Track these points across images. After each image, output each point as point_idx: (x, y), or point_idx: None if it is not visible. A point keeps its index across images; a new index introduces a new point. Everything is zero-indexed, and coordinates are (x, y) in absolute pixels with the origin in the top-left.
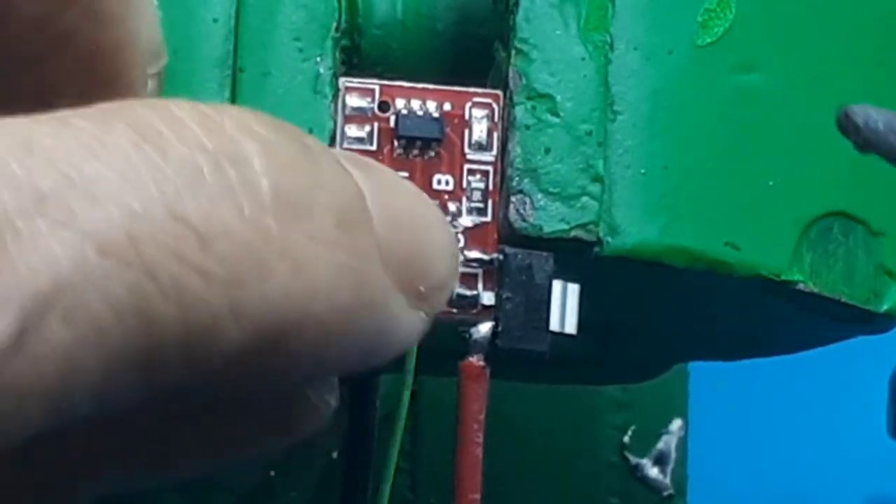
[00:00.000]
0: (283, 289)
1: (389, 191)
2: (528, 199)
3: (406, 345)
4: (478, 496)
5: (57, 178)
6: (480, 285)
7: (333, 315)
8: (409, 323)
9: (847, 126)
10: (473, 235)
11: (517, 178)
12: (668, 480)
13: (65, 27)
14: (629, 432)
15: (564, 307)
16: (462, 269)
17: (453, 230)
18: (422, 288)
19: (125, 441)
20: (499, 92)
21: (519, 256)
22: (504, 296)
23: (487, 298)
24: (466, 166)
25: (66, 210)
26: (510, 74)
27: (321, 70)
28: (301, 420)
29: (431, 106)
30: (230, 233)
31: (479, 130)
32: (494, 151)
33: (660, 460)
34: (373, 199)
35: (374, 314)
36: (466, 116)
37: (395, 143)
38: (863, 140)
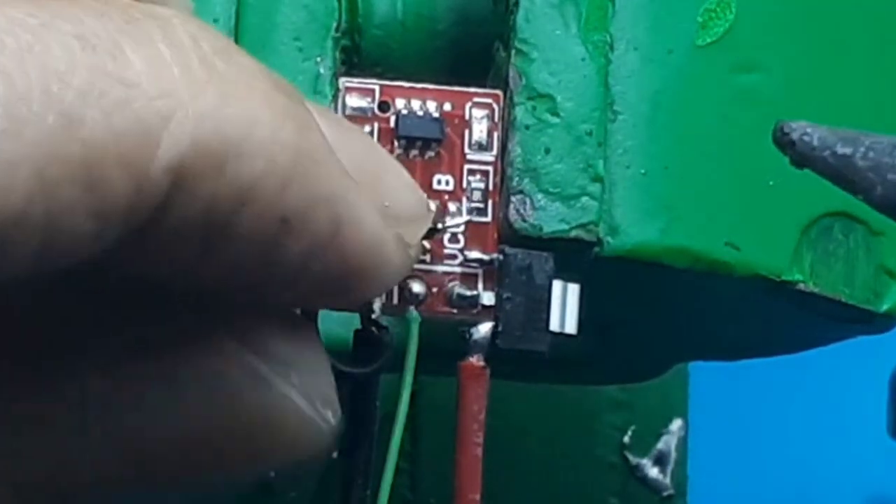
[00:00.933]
0: (214, 106)
1: (341, 123)
2: (528, 199)
3: (387, 265)
4: (478, 496)
5: None
6: (480, 285)
7: (278, 150)
8: (383, 234)
9: (782, 142)
10: (473, 235)
11: (517, 178)
12: (668, 480)
13: None
14: (629, 432)
15: (564, 307)
16: (462, 269)
17: (456, 227)
18: (387, 203)
19: (119, 448)
20: (499, 92)
21: (519, 256)
22: (504, 296)
23: (487, 298)
24: (466, 166)
25: None
26: (510, 74)
27: (321, 70)
28: (299, 435)
29: (431, 106)
30: (145, 52)
31: (479, 130)
32: (494, 151)
33: (660, 460)
34: (327, 129)
35: (328, 174)
36: (466, 116)
37: (396, 143)
38: (798, 156)
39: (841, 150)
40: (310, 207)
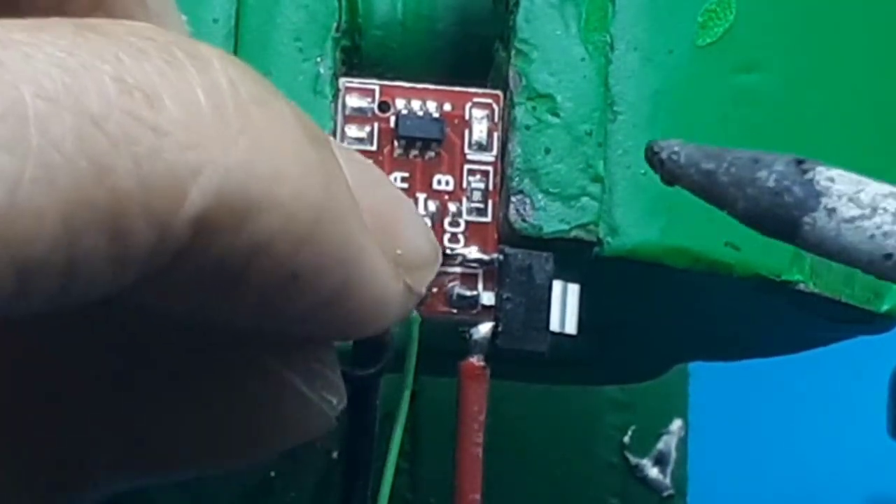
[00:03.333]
0: (243, 160)
1: (363, 166)
2: (528, 200)
3: (389, 313)
4: (478, 496)
5: None
6: (480, 285)
7: (300, 209)
8: (391, 286)
9: (652, 161)
10: (473, 235)
11: (517, 179)
12: (668, 480)
13: None
14: (629, 432)
15: (564, 307)
16: (462, 270)
17: (455, 229)
18: (399, 251)
19: (123, 438)
20: (499, 92)
21: (519, 256)
22: (504, 296)
23: (487, 298)
24: (466, 166)
25: None
26: (510, 74)
27: (321, 70)
28: (302, 420)
29: (431, 106)
30: (181, 97)
31: (479, 130)
32: (494, 151)
33: (660, 460)
34: (350, 175)
35: (346, 236)
36: (466, 116)
37: (396, 143)
38: (667, 174)
39: (705, 166)
40: (322, 267)
